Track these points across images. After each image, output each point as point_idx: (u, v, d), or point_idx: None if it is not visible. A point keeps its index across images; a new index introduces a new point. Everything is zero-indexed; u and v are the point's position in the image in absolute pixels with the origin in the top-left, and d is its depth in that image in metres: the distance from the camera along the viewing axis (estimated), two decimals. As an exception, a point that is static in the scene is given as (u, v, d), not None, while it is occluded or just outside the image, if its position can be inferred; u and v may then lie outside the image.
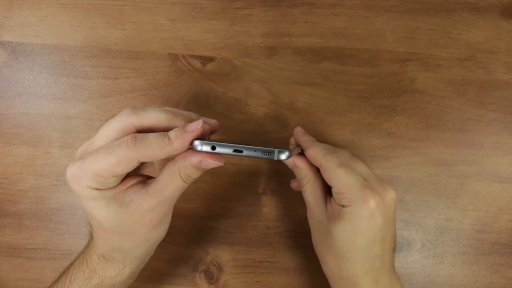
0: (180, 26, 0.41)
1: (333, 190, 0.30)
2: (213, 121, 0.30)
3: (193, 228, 0.41)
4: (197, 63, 0.41)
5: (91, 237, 0.31)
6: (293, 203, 0.40)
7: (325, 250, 0.31)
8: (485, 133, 0.40)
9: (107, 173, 0.26)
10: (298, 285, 0.40)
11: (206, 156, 0.27)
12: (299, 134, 0.35)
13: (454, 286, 0.40)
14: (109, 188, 0.27)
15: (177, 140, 0.26)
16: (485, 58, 0.41)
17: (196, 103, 0.41)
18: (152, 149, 0.25)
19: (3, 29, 0.41)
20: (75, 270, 0.31)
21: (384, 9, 0.41)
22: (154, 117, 0.27)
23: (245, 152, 0.26)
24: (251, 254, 0.40)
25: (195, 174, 0.28)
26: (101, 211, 0.27)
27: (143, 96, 0.41)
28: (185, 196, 0.40)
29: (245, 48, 0.41)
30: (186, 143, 0.26)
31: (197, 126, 0.26)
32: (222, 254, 0.40)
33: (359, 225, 0.29)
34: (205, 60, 0.41)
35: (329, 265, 0.32)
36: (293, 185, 0.36)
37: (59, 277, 0.32)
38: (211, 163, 0.27)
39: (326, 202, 0.32)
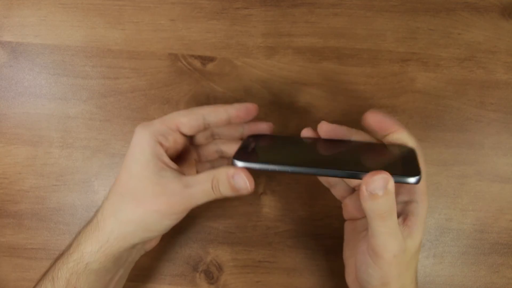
0: (180, 26, 0.41)
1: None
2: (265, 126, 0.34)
3: (193, 228, 0.41)
4: (197, 63, 0.41)
5: (96, 209, 0.31)
6: (293, 203, 0.40)
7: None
8: (485, 133, 0.40)
9: (173, 122, 0.30)
10: (298, 285, 0.40)
11: (241, 171, 0.28)
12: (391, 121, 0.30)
13: (454, 286, 0.40)
14: (162, 145, 0.30)
15: (238, 105, 0.31)
16: (485, 58, 0.41)
17: (196, 103, 0.41)
18: (215, 106, 0.31)
19: (3, 29, 0.41)
20: (67, 246, 0.31)
21: (384, 9, 0.41)
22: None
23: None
24: (251, 254, 0.40)
25: (224, 188, 0.28)
26: (138, 166, 0.29)
27: (143, 96, 0.41)
28: (185, 196, 0.40)
29: (245, 48, 0.41)
30: (251, 108, 0.31)
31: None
32: (222, 254, 0.40)
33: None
34: (205, 60, 0.41)
35: None
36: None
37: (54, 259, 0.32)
38: (241, 179, 0.28)
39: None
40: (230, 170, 0.28)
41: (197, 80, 0.41)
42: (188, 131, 0.31)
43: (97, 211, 0.31)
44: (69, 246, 0.31)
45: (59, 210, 0.40)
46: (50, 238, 0.40)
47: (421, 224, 0.28)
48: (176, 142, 0.31)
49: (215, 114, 0.30)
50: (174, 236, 0.40)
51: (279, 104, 0.41)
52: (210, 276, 0.40)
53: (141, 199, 0.29)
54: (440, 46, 0.41)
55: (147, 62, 0.41)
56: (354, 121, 0.41)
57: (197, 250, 0.40)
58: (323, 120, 0.31)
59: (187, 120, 0.30)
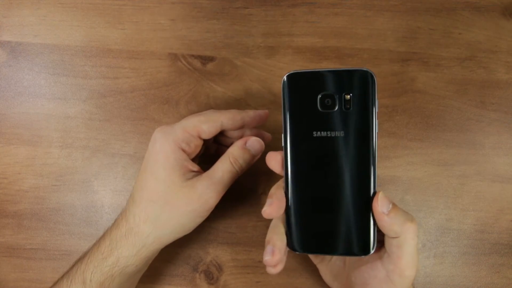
0: (180, 26, 0.41)
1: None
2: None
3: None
4: (197, 63, 0.41)
5: (124, 213, 0.32)
6: (293, 203, 0.40)
7: None
8: (486, 133, 0.40)
9: (194, 129, 0.31)
10: (298, 285, 0.40)
11: (250, 136, 0.32)
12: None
13: (455, 286, 0.40)
14: (185, 151, 0.31)
15: (253, 112, 0.33)
16: (485, 57, 0.41)
17: (196, 103, 0.41)
18: (232, 112, 0.32)
19: (2, 28, 0.41)
20: (95, 248, 0.32)
21: (384, 9, 0.41)
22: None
23: None
24: (251, 254, 0.40)
25: (243, 159, 0.31)
26: (165, 172, 0.30)
27: (143, 96, 0.41)
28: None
29: (245, 47, 0.41)
30: (263, 115, 0.33)
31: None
32: (222, 254, 0.40)
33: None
34: (205, 59, 0.41)
35: None
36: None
37: (79, 259, 0.32)
38: (255, 141, 0.32)
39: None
40: (241, 140, 0.32)
41: (197, 79, 0.41)
42: (207, 136, 0.32)
43: (125, 216, 0.32)
44: (98, 250, 0.31)
45: (58, 210, 0.40)
46: (50, 238, 0.40)
47: (408, 255, 0.27)
48: (197, 146, 0.32)
49: (233, 121, 0.32)
50: (174, 236, 0.40)
51: (279, 104, 0.41)
52: (210, 277, 0.40)
53: (175, 203, 0.30)
54: (441, 46, 0.41)
55: (147, 62, 0.41)
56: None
57: (197, 250, 0.40)
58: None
59: (207, 127, 0.31)
